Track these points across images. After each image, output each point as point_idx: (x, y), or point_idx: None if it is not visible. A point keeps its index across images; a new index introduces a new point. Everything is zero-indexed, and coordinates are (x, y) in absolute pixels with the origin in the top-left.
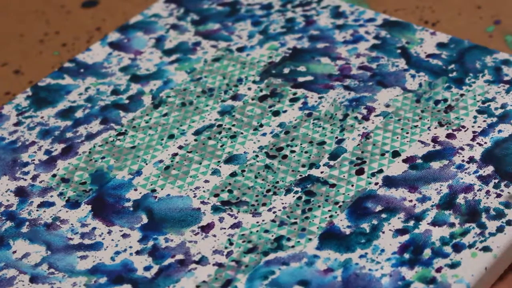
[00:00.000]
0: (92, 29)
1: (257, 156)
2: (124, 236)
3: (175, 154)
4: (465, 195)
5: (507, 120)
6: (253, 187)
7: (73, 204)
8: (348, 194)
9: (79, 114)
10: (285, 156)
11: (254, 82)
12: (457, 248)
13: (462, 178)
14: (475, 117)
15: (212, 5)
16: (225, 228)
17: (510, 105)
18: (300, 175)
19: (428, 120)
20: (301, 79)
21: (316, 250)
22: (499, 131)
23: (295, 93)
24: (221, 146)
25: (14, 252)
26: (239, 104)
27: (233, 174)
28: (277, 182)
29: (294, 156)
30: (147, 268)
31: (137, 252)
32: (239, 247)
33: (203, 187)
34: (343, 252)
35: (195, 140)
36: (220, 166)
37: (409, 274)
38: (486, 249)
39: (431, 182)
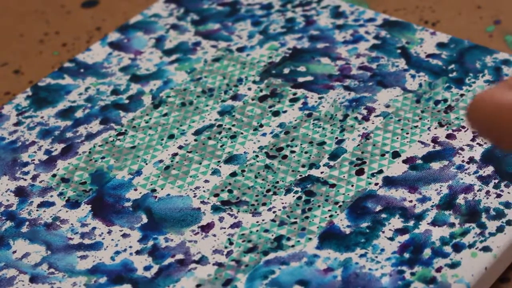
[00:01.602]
0: (92, 29)
1: (257, 156)
2: (124, 236)
3: (175, 154)
4: (465, 195)
5: None
6: (253, 187)
7: (73, 204)
8: (348, 194)
9: (79, 114)
10: (285, 156)
11: (254, 82)
12: (457, 248)
13: (462, 179)
14: None
15: (212, 5)
16: (225, 228)
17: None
18: (300, 175)
19: (428, 121)
20: (301, 79)
21: (316, 249)
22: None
23: (295, 93)
24: (221, 146)
25: (14, 252)
26: (239, 104)
27: (233, 174)
28: (277, 182)
29: (294, 156)
30: (147, 268)
31: (137, 252)
32: (239, 247)
33: (203, 187)
34: (343, 251)
35: (195, 140)
36: (220, 166)
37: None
38: (486, 249)
39: (431, 182)
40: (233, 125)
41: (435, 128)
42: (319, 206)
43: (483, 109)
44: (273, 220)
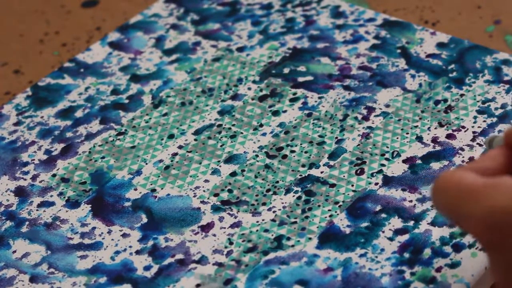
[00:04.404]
0: (92, 29)
1: (257, 156)
2: (124, 235)
3: (175, 154)
4: None
5: (507, 120)
6: (253, 186)
7: (73, 203)
8: (348, 194)
9: (79, 114)
10: (285, 156)
11: (254, 82)
12: (457, 248)
13: None
14: (475, 117)
15: (212, 5)
16: (225, 228)
17: (510, 105)
18: (300, 175)
19: (428, 121)
20: (301, 79)
21: (316, 249)
22: (499, 131)
23: (295, 93)
24: (221, 146)
25: (14, 251)
26: (239, 104)
27: (233, 174)
28: (277, 182)
29: (294, 156)
30: (147, 268)
31: (137, 252)
32: (239, 247)
33: (203, 187)
34: (343, 251)
35: (195, 140)
36: (220, 166)
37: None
38: None
39: (431, 182)
40: (233, 125)
41: (435, 128)
42: (319, 206)
43: (444, 192)
44: (273, 220)
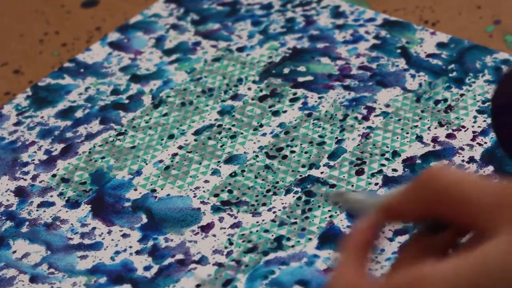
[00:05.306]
0: (92, 29)
1: (257, 156)
2: (124, 236)
3: (175, 154)
4: None
5: None
6: (253, 187)
7: (73, 204)
8: None
9: (79, 114)
10: (285, 156)
11: (254, 82)
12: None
13: None
14: (475, 117)
15: (212, 5)
16: (225, 228)
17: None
18: (300, 176)
19: (428, 120)
20: (301, 79)
21: (316, 249)
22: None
23: (295, 93)
24: (221, 146)
25: (14, 252)
26: (239, 104)
27: (233, 174)
28: (277, 182)
29: (294, 156)
30: (147, 268)
31: (137, 252)
32: (239, 247)
33: (203, 187)
34: None
35: (195, 140)
36: (220, 166)
37: None
38: None
39: None
40: (233, 125)
41: (435, 128)
42: (319, 206)
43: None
44: (273, 221)
